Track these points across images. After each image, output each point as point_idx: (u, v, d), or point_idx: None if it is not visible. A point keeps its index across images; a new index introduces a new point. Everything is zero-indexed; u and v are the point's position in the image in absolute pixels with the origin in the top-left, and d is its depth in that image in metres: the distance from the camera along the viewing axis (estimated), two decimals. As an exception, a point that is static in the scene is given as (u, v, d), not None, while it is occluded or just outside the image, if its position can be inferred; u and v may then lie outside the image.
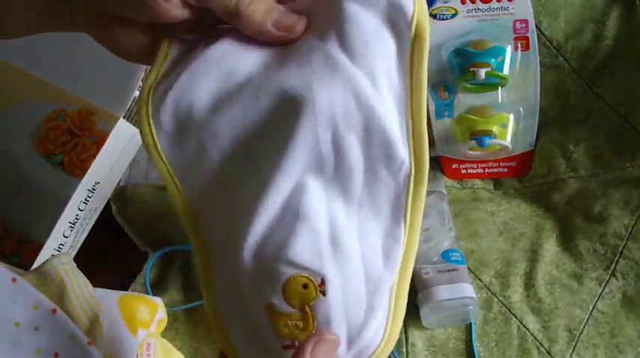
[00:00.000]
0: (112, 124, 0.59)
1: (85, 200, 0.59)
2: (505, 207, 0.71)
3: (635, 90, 0.70)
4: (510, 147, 0.72)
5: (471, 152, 0.73)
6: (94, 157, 0.58)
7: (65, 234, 0.59)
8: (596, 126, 0.71)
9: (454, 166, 0.74)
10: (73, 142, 0.59)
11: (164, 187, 0.72)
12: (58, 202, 0.58)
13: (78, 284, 0.51)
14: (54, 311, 0.48)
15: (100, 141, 0.59)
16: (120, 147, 0.60)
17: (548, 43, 0.73)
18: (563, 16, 0.72)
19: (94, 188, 0.59)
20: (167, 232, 0.70)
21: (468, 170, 0.74)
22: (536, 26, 0.72)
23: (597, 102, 0.72)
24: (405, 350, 0.63)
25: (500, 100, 0.72)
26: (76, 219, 0.59)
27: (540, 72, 0.72)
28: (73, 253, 0.61)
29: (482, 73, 0.69)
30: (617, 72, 0.72)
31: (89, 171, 0.58)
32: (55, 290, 0.50)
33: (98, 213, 0.61)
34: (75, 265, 0.52)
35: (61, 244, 0.59)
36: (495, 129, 0.71)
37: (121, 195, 0.71)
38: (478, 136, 0.71)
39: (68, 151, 0.59)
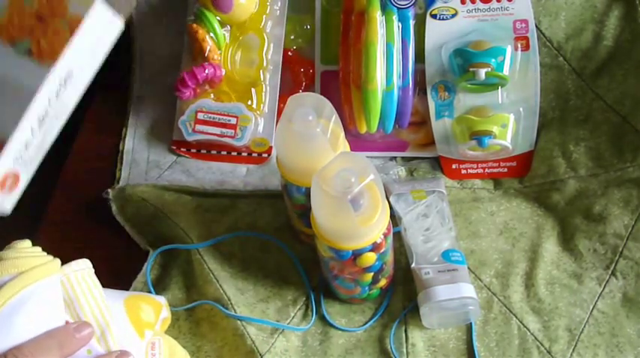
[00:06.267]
0: (86, 6, 0.51)
1: (57, 92, 0.51)
2: (505, 207, 0.71)
3: (635, 90, 0.70)
4: (510, 147, 0.72)
5: (471, 152, 0.73)
6: (67, 43, 0.51)
7: (33, 129, 0.52)
8: (596, 126, 0.71)
9: (454, 166, 0.74)
10: (42, 27, 0.51)
11: (163, 187, 0.72)
12: (25, 94, 0.51)
13: (90, 293, 0.51)
14: (66, 323, 0.49)
15: (73, 25, 0.51)
16: (96, 33, 0.53)
17: (548, 43, 0.73)
18: (564, 16, 0.73)
19: (67, 78, 0.52)
20: (167, 231, 0.70)
21: (468, 170, 0.74)
22: (536, 26, 0.72)
23: (597, 102, 0.72)
24: (405, 350, 0.63)
25: (500, 100, 0.72)
26: (46, 113, 0.51)
27: (540, 72, 0.72)
28: (41, 154, 0.53)
29: (482, 73, 0.69)
30: (617, 72, 0.72)
31: (61, 58, 0.50)
32: (66, 299, 0.50)
33: (70, 110, 0.54)
34: (92, 271, 0.52)
35: (28, 142, 0.52)
36: (495, 129, 0.71)
37: (120, 194, 0.71)
38: (478, 136, 0.71)
39: (37, 38, 0.51)
